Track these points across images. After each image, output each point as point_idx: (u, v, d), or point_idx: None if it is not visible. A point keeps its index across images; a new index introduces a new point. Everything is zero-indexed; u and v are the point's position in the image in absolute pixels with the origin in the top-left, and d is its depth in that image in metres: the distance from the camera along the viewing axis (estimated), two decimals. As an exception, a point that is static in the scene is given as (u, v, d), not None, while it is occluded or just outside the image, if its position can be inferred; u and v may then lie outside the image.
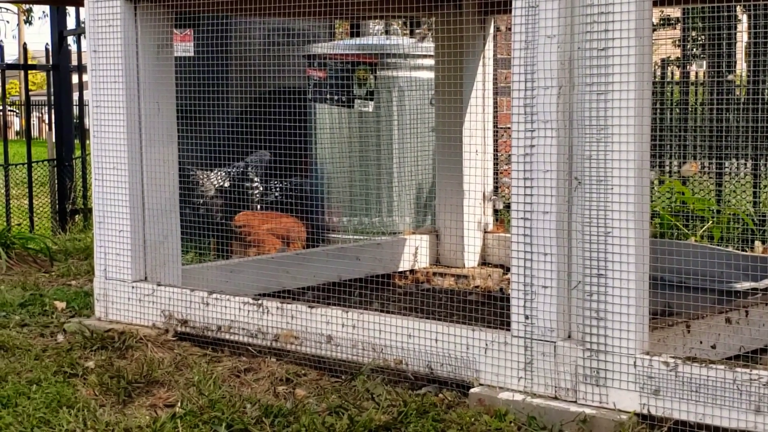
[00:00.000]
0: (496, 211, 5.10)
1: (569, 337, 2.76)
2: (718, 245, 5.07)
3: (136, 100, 3.75)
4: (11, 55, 19.24)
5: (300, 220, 5.42)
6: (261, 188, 5.65)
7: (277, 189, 5.66)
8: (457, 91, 4.70)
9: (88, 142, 6.29)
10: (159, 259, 3.81)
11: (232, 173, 5.63)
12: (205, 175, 5.61)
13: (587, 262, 2.69)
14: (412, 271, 4.80)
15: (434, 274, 4.74)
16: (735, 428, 2.48)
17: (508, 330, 2.86)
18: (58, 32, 6.93)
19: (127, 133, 3.73)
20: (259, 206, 5.65)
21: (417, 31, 6.31)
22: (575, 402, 2.73)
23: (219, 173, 5.65)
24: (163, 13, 3.78)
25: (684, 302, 3.30)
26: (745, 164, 6.13)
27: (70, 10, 7.16)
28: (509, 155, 6.02)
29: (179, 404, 2.94)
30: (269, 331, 3.38)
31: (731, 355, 3.17)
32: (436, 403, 2.87)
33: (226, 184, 5.62)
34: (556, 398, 2.76)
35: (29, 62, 7.21)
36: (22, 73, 7.19)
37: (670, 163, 6.36)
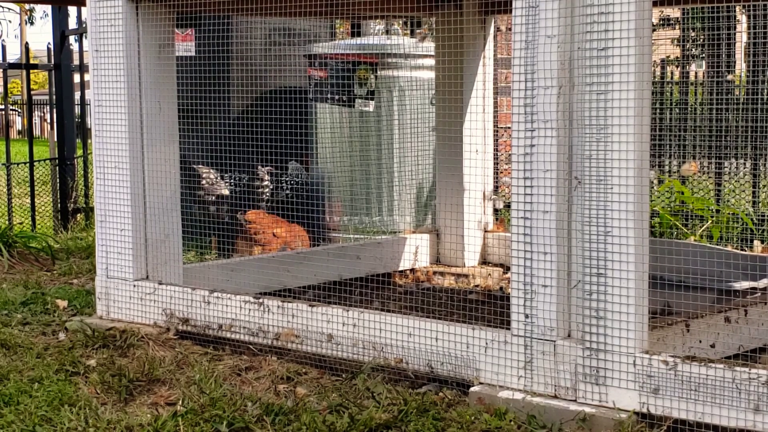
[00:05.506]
0: (496, 211, 5.11)
1: (569, 336, 2.77)
2: (717, 245, 5.08)
3: (138, 99, 3.76)
4: (13, 55, 19.27)
5: (302, 219, 5.43)
6: (270, 186, 5.65)
7: (288, 184, 5.66)
8: (458, 90, 4.71)
9: (89, 141, 6.30)
10: (160, 258, 3.82)
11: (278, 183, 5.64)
12: (216, 176, 5.61)
13: (587, 262, 2.70)
14: (412, 270, 4.81)
15: (434, 273, 4.75)
16: (734, 427, 2.49)
17: (508, 329, 2.87)
18: (60, 32, 6.94)
19: (128, 132, 3.74)
20: (266, 204, 5.66)
21: (417, 31, 6.32)
22: (575, 401, 2.74)
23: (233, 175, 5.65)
24: (164, 12, 3.79)
25: (683, 301, 3.31)
26: (745, 164, 6.14)
27: (72, 9, 7.18)
28: (509, 155, 6.03)
29: (180, 402, 2.95)
30: (270, 330, 3.39)
31: (730, 354, 3.18)
32: (437, 401, 2.87)
33: (224, 192, 5.62)
34: (555, 397, 2.77)
35: (31, 62, 7.22)
36: (24, 72, 7.21)
37: (670, 162, 6.36)
